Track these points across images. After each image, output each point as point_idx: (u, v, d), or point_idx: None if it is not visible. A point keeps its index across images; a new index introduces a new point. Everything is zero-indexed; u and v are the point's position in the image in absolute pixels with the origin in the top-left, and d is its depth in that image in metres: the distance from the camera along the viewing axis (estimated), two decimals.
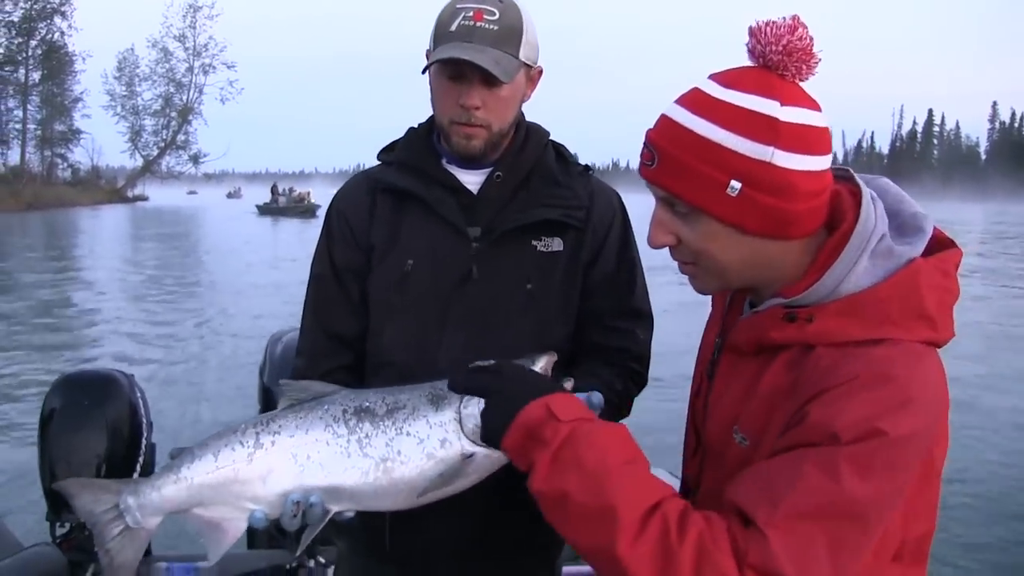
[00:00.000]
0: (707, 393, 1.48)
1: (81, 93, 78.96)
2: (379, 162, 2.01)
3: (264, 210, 59.99)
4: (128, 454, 3.16)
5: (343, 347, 1.95)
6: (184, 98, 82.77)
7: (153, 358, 11.63)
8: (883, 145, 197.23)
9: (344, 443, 1.48)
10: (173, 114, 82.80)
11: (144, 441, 3.23)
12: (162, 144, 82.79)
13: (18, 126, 74.00)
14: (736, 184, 1.22)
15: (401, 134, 2.02)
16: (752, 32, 1.26)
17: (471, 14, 1.76)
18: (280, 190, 64.66)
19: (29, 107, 74.76)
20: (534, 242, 1.88)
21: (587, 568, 3.21)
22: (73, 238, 38.34)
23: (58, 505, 3.06)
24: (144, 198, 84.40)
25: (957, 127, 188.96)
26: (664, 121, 1.29)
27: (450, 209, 1.88)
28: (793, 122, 1.22)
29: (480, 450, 1.44)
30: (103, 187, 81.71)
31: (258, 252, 25.48)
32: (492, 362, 1.41)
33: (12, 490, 6.18)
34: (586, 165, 2.00)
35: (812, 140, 1.24)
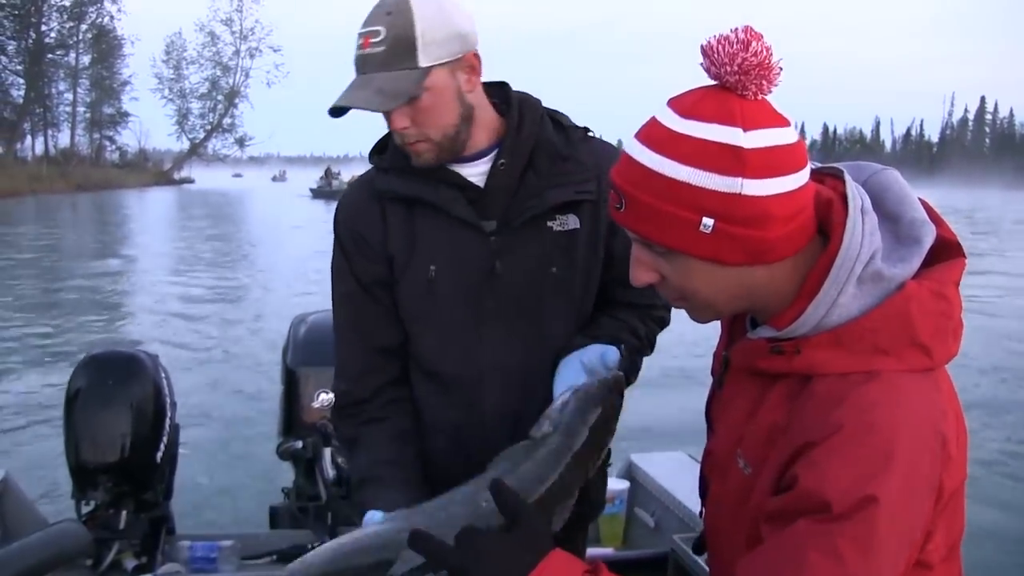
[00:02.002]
0: (718, 400, 1.45)
1: (129, 76, 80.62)
2: (373, 165, 1.93)
3: (317, 193, 60.26)
4: (152, 434, 3.18)
5: (389, 359, 1.89)
6: (230, 81, 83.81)
7: (186, 340, 11.79)
8: (932, 133, 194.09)
9: None
10: (219, 97, 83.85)
11: (168, 421, 3.26)
12: (208, 127, 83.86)
13: (68, 109, 75.53)
14: (708, 221, 1.16)
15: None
16: (704, 52, 1.19)
17: (361, 42, 1.70)
18: (334, 172, 65.08)
19: (79, 90, 76.39)
20: (549, 223, 1.82)
21: (609, 550, 3.23)
22: (121, 219, 39.00)
23: (83, 483, 3.10)
24: (190, 180, 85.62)
25: (1011, 114, 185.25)
26: (627, 162, 1.23)
27: (462, 207, 1.81)
28: (759, 147, 1.16)
29: None
30: (150, 169, 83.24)
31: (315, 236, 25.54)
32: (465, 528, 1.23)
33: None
34: (585, 128, 1.92)
35: (781, 161, 1.17)
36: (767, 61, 1.17)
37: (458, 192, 1.81)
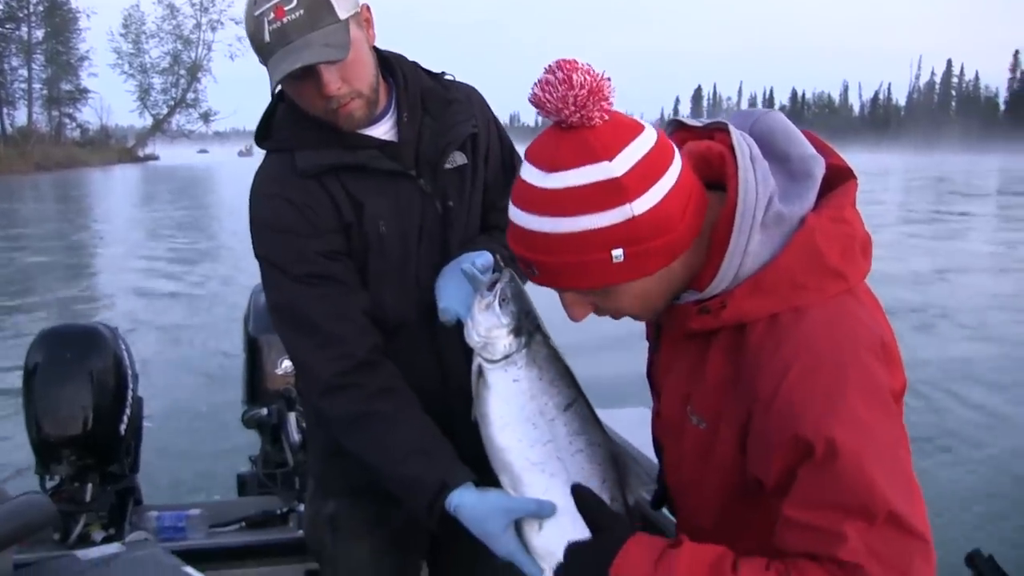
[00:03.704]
0: (657, 364, 1.49)
1: (87, 51, 79.00)
2: (267, 150, 1.93)
3: None
4: (115, 407, 3.16)
5: (371, 323, 1.86)
6: (192, 55, 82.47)
7: (149, 314, 11.75)
8: (900, 97, 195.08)
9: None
10: (182, 72, 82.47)
11: (130, 393, 3.24)
12: (171, 102, 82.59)
13: (23, 85, 74.01)
14: (618, 252, 1.20)
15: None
16: (537, 104, 1.22)
17: (271, 16, 1.68)
18: None
19: (33, 66, 74.70)
20: (445, 165, 1.91)
21: None
22: (83, 198, 38.44)
23: (46, 458, 3.08)
24: (155, 157, 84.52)
25: (976, 77, 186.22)
26: (520, 233, 1.26)
27: (388, 162, 1.86)
28: (630, 168, 1.19)
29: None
30: (113, 147, 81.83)
31: None
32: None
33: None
34: (443, 72, 2.01)
35: (654, 167, 1.21)
36: (596, 84, 1.19)
37: (376, 151, 1.85)
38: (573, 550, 1.34)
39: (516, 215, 1.26)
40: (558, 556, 1.40)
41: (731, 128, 1.30)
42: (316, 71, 1.70)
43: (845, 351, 1.19)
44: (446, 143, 1.90)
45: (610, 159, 1.18)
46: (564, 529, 1.43)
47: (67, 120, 79.55)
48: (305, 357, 1.85)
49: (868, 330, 1.23)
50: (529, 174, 1.24)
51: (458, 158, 1.92)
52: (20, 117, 73.40)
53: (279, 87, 1.78)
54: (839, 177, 1.30)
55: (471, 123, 1.95)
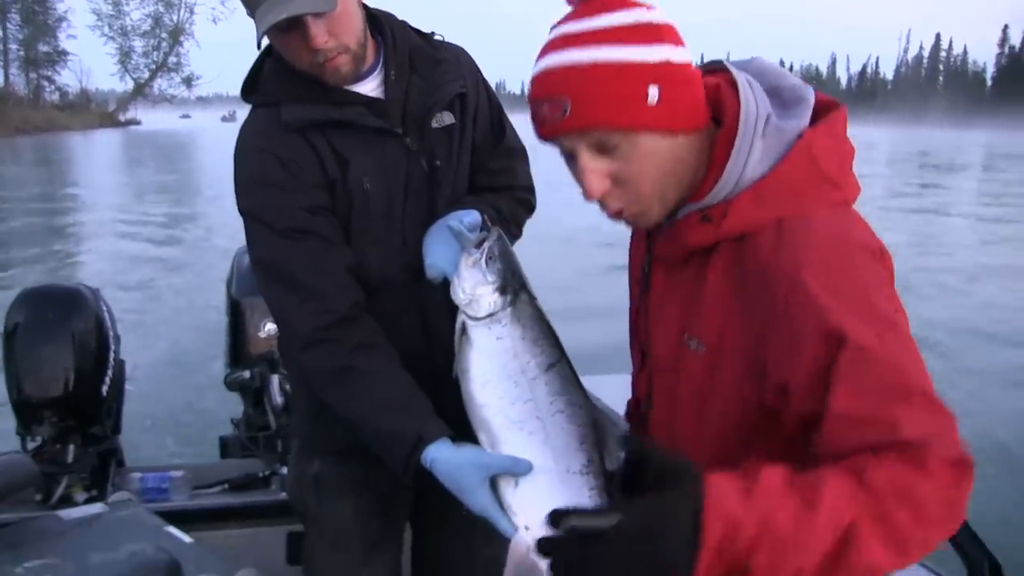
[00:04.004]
0: (646, 308, 1.48)
1: (65, 12, 77.68)
2: (253, 104, 1.91)
3: None
4: (96, 368, 3.15)
5: (354, 279, 1.85)
6: (174, 18, 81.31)
7: (132, 277, 11.71)
8: (887, 71, 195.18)
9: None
10: (164, 35, 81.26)
11: (112, 355, 3.23)
12: (153, 66, 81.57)
13: None
14: (654, 90, 1.23)
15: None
16: None
17: None
18: None
19: (9, 26, 73.52)
20: (430, 122, 1.90)
21: None
22: (64, 162, 38.06)
23: (28, 420, 3.07)
24: (136, 122, 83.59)
25: (964, 52, 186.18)
26: (557, 72, 1.27)
27: (375, 119, 1.85)
28: (666, 21, 1.27)
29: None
30: (94, 111, 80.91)
31: None
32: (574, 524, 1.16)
33: None
34: (432, 32, 2.02)
35: (679, 34, 1.28)
36: None
37: (363, 107, 1.85)
38: (631, 508, 1.13)
39: (550, 59, 1.27)
40: (531, 514, 1.40)
41: (726, 63, 1.36)
42: (303, 23, 1.68)
43: (854, 246, 1.22)
44: (433, 102, 1.90)
45: (647, 8, 1.26)
46: (539, 488, 1.43)
47: (46, 83, 78.51)
48: (286, 312, 1.85)
49: (872, 235, 1.26)
50: (566, 27, 1.27)
51: (446, 118, 1.92)
52: None
53: (266, 40, 1.77)
54: (828, 108, 1.33)
55: (459, 83, 1.94)
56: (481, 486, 1.49)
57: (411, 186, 1.88)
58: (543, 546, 1.17)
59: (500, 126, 2.06)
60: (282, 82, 1.86)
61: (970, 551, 2.03)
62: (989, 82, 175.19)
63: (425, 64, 1.93)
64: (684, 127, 1.27)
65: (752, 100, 1.30)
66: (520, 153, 2.12)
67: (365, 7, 1.87)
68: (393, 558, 2.12)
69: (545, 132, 1.30)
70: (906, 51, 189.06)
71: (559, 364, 1.48)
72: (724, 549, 1.07)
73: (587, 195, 1.31)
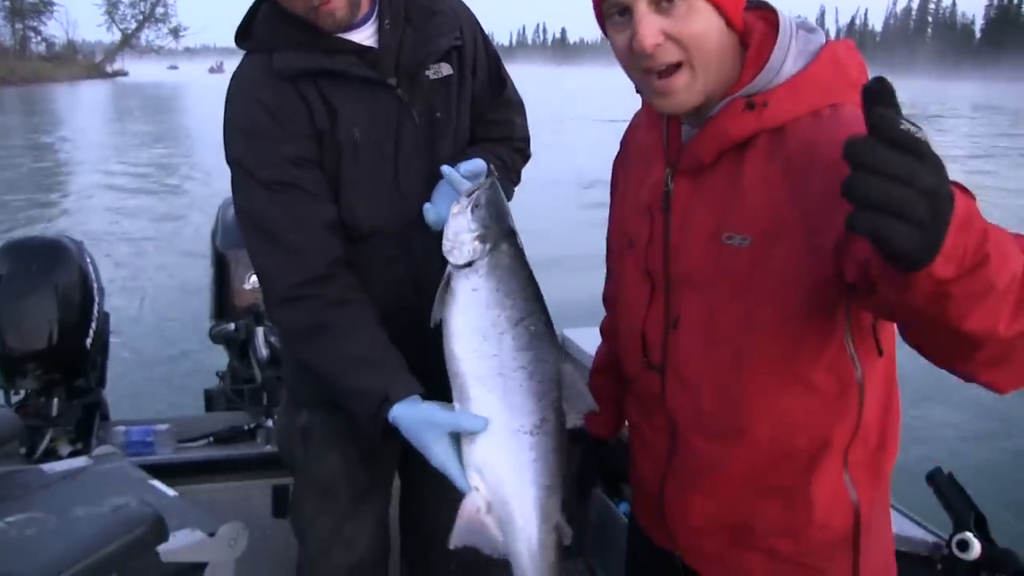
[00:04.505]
0: (666, 227, 1.48)
1: None
2: (245, 50, 1.89)
3: None
4: (81, 320, 3.12)
5: (334, 234, 1.84)
6: None
7: (116, 230, 11.65)
8: (876, 23, 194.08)
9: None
10: None
11: (96, 308, 3.19)
12: (140, 17, 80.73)
13: None
14: None
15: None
16: None
17: None
18: None
19: None
20: (426, 72, 1.90)
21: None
22: (50, 114, 37.66)
23: (11, 372, 3.04)
24: (123, 73, 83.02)
25: (953, 4, 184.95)
26: None
27: (366, 69, 1.84)
28: None
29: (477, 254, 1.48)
30: (80, 62, 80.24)
31: None
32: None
33: None
34: None
35: None
36: None
37: (355, 57, 1.84)
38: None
39: None
40: (489, 472, 1.43)
41: None
42: None
43: None
44: (427, 53, 1.89)
45: None
46: (496, 447, 1.45)
47: (32, 34, 77.51)
48: (265, 266, 1.84)
49: None
50: None
51: (444, 69, 1.92)
52: None
53: None
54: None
55: (454, 35, 1.94)
56: (437, 443, 1.52)
57: (404, 137, 1.87)
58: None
59: (499, 78, 2.07)
60: (276, 29, 1.84)
61: (956, 504, 2.04)
62: (978, 34, 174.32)
63: (420, 15, 1.92)
64: (730, 9, 1.35)
65: (784, 12, 1.42)
66: (518, 106, 2.13)
67: None
68: (380, 508, 2.13)
69: None
70: (894, 3, 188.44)
71: (530, 318, 1.47)
72: (969, 221, 0.95)
73: (640, 43, 1.32)
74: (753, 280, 1.36)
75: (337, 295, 1.78)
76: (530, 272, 1.51)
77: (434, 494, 2.11)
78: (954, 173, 0.93)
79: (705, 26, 1.33)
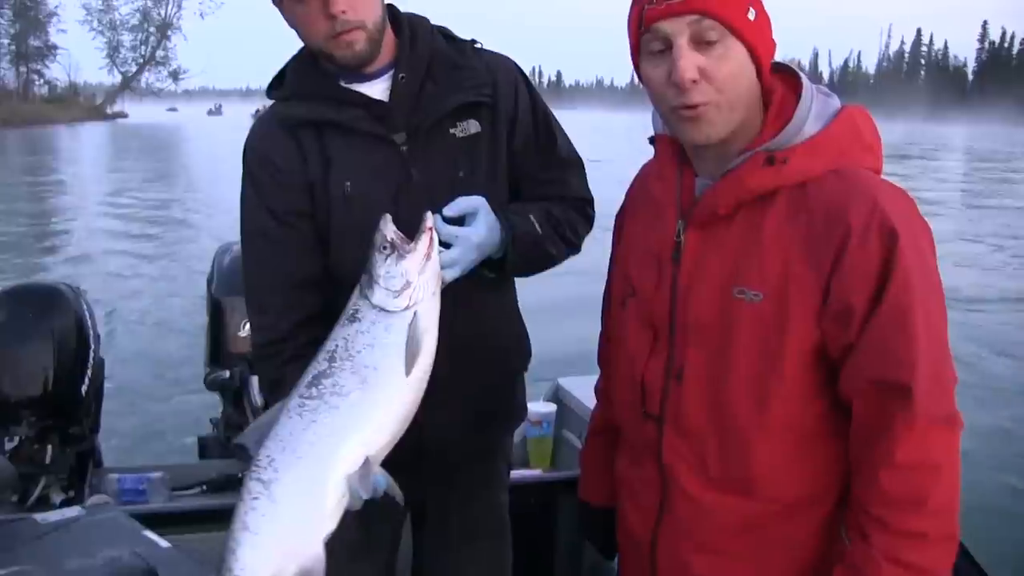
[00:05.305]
0: (674, 278, 1.50)
1: (56, 7, 77.53)
2: (272, 100, 1.95)
3: None
4: (76, 367, 3.11)
5: (308, 292, 1.89)
6: (162, 12, 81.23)
7: (114, 274, 11.63)
8: (869, 65, 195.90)
9: (325, 407, 1.50)
10: (151, 29, 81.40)
11: (92, 354, 3.19)
12: (141, 60, 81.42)
13: None
14: (752, 10, 1.39)
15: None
16: None
17: None
18: None
19: (1, 21, 73.20)
20: (452, 130, 1.89)
21: (537, 472, 3.28)
22: (51, 155, 37.78)
23: (5, 418, 3.03)
24: (123, 115, 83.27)
25: (945, 47, 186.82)
26: None
27: (369, 123, 1.85)
28: None
29: (416, 307, 1.52)
30: (81, 104, 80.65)
31: None
32: None
33: None
34: (473, 40, 1.99)
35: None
36: None
37: (363, 110, 1.86)
38: None
39: None
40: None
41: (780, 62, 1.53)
42: None
43: (910, 197, 1.43)
44: (441, 109, 1.87)
45: None
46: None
47: (35, 76, 78.13)
48: (249, 314, 2.00)
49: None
50: None
51: (471, 126, 1.90)
52: None
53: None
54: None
55: (480, 92, 1.90)
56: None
57: (405, 192, 1.85)
58: None
59: (548, 136, 2.02)
60: (297, 78, 1.90)
61: None
62: (971, 77, 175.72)
63: (443, 69, 1.91)
64: (762, 59, 1.41)
65: (805, 77, 1.48)
66: (573, 164, 2.06)
67: (391, 6, 1.91)
68: (378, 567, 2.11)
69: (654, 14, 1.38)
70: (887, 45, 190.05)
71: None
72: None
73: (680, 75, 1.37)
74: (762, 335, 1.39)
75: (293, 351, 1.83)
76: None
77: (445, 559, 2.10)
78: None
79: (738, 69, 1.39)
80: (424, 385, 1.55)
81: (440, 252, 1.62)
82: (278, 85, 1.95)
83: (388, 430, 1.52)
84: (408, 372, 1.51)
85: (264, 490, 1.48)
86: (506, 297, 2.09)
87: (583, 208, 2.03)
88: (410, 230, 1.78)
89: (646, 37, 1.41)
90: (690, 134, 1.44)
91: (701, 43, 1.37)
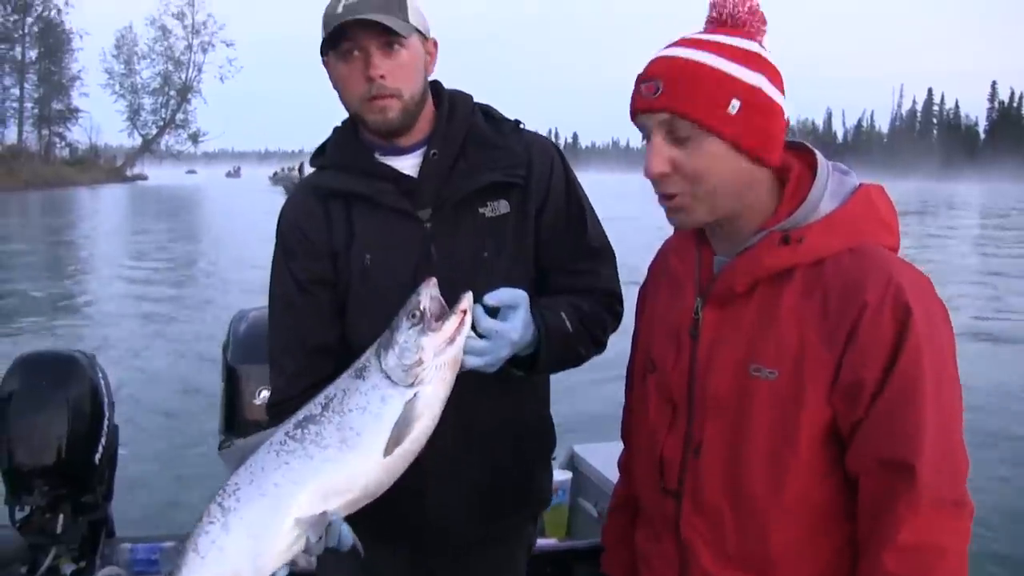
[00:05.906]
0: (693, 353, 1.50)
1: (79, 71, 79.45)
2: (314, 167, 2.00)
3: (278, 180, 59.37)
4: (90, 435, 3.11)
5: (324, 359, 1.91)
6: (183, 76, 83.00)
7: (129, 338, 11.64)
8: (883, 124, 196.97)
9: (301, 452, 1.52)
10: (172, 92, 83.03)
11: (106, 421, 3.19)
12: (161, 123, 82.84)
13: (15, 104, 74.07)
14: (736, 103, 1.36)
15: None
16: (715, 3, 1.44)
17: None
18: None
19: (26, 85, 74.90)
20: (481, 210, 1.88)
21: (552, 541, 3.24)
22: (71, 217, 38.26)
23: (17, 488, 3.02)
24: (143, 177, 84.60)
25: (956, 106, 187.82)
26: (665, 58, 1.41)
27: (394, 197, 1.87)
28: (772, 60, 1.42)
29: (420, 388, 1.51)
30: (102, 166, 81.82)
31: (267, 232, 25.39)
32: None
33: None
34: (516, 120, 1.99)
35: (781, 82, 1.42)
36: (761, 14, 1.45)
37: (391, 184, 1.88)
38: None
39: (666, 50, 1.43)
40: None
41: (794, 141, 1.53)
42: (367, 52, 1.76)
43: (920, 282, 1.40)
44: (470, 187, 1.87)
45: (761, 45, 1.43)
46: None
47: (57, 139, 79.50)
48: (269, 370, 2.01)
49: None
50: (694, 33, 1.44)
51: (501, 206, 1.89)
52: (10, 135, 73.42)
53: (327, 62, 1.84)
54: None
55: (513, 172, 1.89)
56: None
57: (426, 268, 1.81)
58: None
59: (580, 220, 1.98)
60: (337, 149, 1.95)
61: None
62: (982, 135, 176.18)
63: (477, 147, 1.90)
64: (751, 149, 1.39)
65: (820, 154, 1.50)
66: (604, 255, 2.01)
67: (436, 83, 1.94)
68: None
69: (635, 107, 1.43)
70: (899, 105, 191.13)
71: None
72: None
73: (647, 170, 1.41)
74: (778, 413, 1.38)
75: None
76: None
77: None
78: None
79: (711, 162, 1.38)
80: (402, 469, 1.56)
81: (471, 337, 1.61)
82: (320, 154, 1.99)
83: (351, 495, 1.54)
84: (386, 453, 1.51)
85: (221, 517, 1.51)
86: (540, 385, 2.06)
87: (612, 305, 1.98)
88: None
89: (636, 125, 1.45)
90: (672, 220, 1.48)
91: (676, 138, 1.39)
